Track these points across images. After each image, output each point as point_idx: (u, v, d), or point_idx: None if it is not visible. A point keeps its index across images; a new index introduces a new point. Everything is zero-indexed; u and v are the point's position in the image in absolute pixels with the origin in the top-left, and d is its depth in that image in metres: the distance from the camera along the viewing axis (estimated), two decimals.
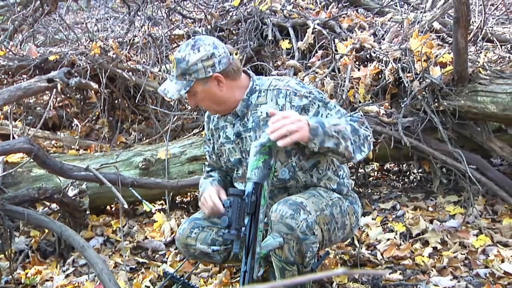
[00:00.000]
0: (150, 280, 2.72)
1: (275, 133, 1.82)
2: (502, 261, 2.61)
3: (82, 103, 4.81)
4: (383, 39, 3.92)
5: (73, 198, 3.12)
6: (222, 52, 2.09)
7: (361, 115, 2.04)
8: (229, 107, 2.18)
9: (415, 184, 3.85)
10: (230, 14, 4.61)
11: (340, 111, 2.11)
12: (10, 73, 4.15)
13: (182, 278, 2.54)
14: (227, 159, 2.30)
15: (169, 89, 2.11)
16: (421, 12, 4.42)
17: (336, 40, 3.78)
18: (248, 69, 2.31)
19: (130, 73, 4.18)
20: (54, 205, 3.17)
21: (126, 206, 2.80)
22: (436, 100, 3.30)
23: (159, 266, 2.91)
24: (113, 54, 4.16)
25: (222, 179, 2.40)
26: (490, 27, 4.38)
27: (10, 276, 2.73)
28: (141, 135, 4.52)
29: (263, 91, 2.16)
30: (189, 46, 2.07)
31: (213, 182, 2.31)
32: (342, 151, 1.90)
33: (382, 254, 2.82)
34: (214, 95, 2.11)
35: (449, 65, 3.34)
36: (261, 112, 2.14)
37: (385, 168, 4.18)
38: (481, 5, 4.39)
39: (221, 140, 2.28)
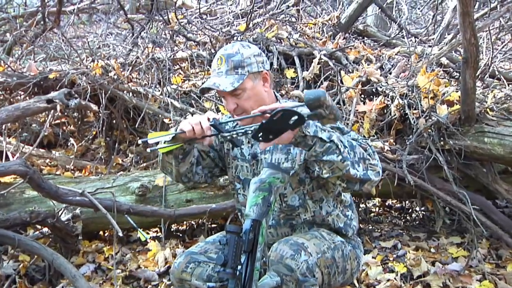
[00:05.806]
0: None
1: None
2: None
3: (79, 122, 4.72)
4: (390, 73, 3.87)
5: (66, 222, 3.02)
6: (264, 55, 2.11)
7: (368, 143, 1.91)
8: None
9: (417, 222, 3.78)
10: (235, 39, 4.55)
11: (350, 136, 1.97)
12: (8, 89, 4.06)
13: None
14: (236, 175, 2.23)
15: (220, 82, 2.02)
16: (429, 46, 4.39)
17: (342, 72, 3.73)
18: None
19: (131, 95, 4.10)
20: (45, 229, 3.07)
21: (121, 234, 2.71)
22: (441, 139, 3.25)
23: None
24: (115, 75, 4.09)
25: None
26: (497, 65, 4.35)
27: None
28: (138, 157, 4.42)
29: None
30: (237, 44, 2.07)
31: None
32: (338, 143, 1.76)
33: None
34: (260, 94, 2.06)
35: (456, 103, 3.29)
36: None
37: (386, 204, 4.10)
38: (488, 39, 4.37)
39: (236, 153, 2.22)
